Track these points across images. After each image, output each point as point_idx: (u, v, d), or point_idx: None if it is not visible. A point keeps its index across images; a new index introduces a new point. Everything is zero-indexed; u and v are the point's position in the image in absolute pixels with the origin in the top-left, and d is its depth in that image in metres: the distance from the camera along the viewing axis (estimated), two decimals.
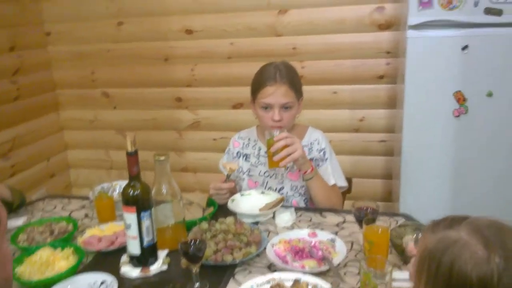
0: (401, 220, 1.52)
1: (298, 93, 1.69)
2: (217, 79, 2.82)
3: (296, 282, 1.14)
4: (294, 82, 1.67)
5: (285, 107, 1.64)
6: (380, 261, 1.13)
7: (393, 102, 2.57)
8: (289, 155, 1.56)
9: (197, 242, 1.20)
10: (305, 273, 1.19)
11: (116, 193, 1.73)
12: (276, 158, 1.58)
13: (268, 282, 1.17)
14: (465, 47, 1.89)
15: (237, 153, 1.85)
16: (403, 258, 1.27)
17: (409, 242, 1.23)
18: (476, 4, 1.82)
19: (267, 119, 1.66)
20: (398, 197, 2.23)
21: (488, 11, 1.81)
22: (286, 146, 1.57)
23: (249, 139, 1.85)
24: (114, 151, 3.14)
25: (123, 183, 1.77)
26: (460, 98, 1.95)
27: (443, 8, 1.84)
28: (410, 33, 1.93)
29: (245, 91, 2.71)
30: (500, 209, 2.03)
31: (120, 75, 2.96)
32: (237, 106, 2.84)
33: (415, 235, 1.28)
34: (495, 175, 2.03)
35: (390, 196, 2.74)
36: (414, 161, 2.11)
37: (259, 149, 1.80)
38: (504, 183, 2.03)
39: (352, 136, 2.73)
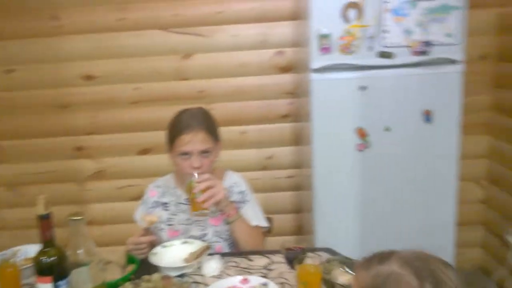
0: (323, 254, 1.56)
1: (216, 137, 1.69)
2: (121, 125, 2.72)
3: None
4: (211, 127, 1.67)
5: (203, 153, 1.63)
6: None
7: (298, 139, 2.69)
8: (212, 196, 1.54)
9: None
10: None
11: (20, 260, 1.55)
12: (199, 199, 1.54)
13: None
14: (363, 87, 2.07)
15: (154, 202, 1.77)
16: None
17: (339, 277, 1.28)
18: (370, 49, 2.01)
19: (186, 166, 1.62)
20: (311, 230, 2.30)
21: (381, 54, 2.01)
22: (208, 187, 1.55)
23: (166, 187, 1.79)
24: (4, 210, 2.82)
25: (26, 247, 1.61)
26: (362, 134, 2.11)
27: (341, 53, 2.01)
28: (313, 75, 2.07)
29: (152, 136, 2.70)
30: (405, 234, 2.20)
31: (10, 126, 2.70)
32: (144, 152, 2.75)
33: (342, 269, 1.33)
34: (398, 202, 2.20)
35: (301, 229, 2.82)
36: (325, 195, 2.21)
37: (178, 197, 1.75)
38: (406, 209, 2.21)
39: (261, 174, 2.79)
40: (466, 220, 2.59)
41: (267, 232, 1.88)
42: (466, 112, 2.19)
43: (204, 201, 1.54)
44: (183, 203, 1.73)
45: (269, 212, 2.06)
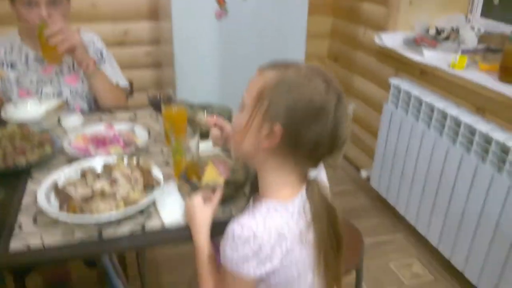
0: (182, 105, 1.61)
1: None
2: None
3: (107, 165, 1.12)
4: None
5: (51, 3, 1.47)
6: (182, 134, 1.23)
7: (156, 13, 2.60)
8: (67, 40, 1.45)
9: None
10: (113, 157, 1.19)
11: None
12: (52, 43, 1.44)
13: (76, 171, 1.12)
14: None
15: None
16: (196, 130, 1.38)
17: (203, 117, 1.37)
18: None
19: (33, 16, 1.46)
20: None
21: None
22: (61, 31, 1.45)
23: (10, 44, 1.61)
24: None
25: None
26: (221, 1, 2.13)
27: None
28: None
29: None
30: None
31: None
32: None
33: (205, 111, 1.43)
34: (252, 73, 2.33)
35: None
36: (187, 69, 2.23)
37: (27, 55, 1.60)
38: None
39: (117, 50, 2.66)
40: None
41: (128, 93, 1.85)
42: None
43: (57, 47, 1.44)
44: (32, 61, 1.59)
45: None
